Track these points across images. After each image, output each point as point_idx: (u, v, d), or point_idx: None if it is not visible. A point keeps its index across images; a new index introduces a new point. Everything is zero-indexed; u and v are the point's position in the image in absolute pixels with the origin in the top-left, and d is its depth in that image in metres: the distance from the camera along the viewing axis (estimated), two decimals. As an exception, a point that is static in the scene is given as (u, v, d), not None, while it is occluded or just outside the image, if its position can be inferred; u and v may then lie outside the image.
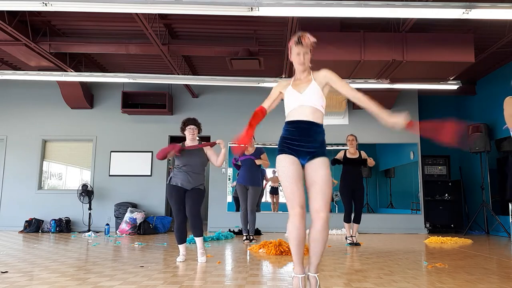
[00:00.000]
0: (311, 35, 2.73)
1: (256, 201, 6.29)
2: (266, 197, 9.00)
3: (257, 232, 7.41)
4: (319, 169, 2.53)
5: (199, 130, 4.42)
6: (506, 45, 6.60)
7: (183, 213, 4.19)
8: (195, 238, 4.20)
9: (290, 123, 2.64)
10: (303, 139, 2.57)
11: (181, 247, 4.24)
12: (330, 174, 2.56)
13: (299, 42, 2.67)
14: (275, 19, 5.67)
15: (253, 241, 6.18)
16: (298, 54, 2.70)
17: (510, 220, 7.15)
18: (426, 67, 6.06)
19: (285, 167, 2.54)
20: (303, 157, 2.57)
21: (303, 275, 2.52)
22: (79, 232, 7.83)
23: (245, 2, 4.15)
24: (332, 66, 6.25)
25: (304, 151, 2.57)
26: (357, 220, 5.78)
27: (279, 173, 2.57)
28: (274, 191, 9.21)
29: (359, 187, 5.83)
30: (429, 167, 8.77)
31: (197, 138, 4.44)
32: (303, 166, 2.58)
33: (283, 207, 9.02)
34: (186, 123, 4.37)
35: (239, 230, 7.72)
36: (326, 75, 2.75)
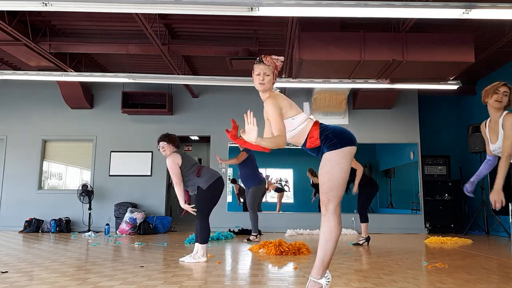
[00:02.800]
0: (278, 56, 2.69)
1: (253, 200, 6.39)
2: (266, 197, 9.00)
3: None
4: (321, 162, 2.54)
5: (174, 144, 4.35)
6: (506, 45, 6.60)
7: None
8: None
9: None
10: (313, 154, 2.66)
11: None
12: (333, 165, 2.45)
13: (260, 61, 2.64)
14: (275, 19, 5.67)
15: (250, 241, 6.21)
16: (258, 74, 2.64)
17: (510, 220, 7.15)
18: (426, 67, 6.05)
19: None
20: None
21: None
22: (79, 232, 7.83)
23: (245, 2, 4.15)
24: (332, 66, 6.30)
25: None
26: (360, 219, 5.98)
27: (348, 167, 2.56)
28: (277, 190, 9.22)
29: (365, 192, 5.99)
30: (429, 167, 8.77)
31: (173, 152, 4.32)
32: None
33: (284, 208, 9.04)
34: (158, 140, 4.38)
35: (239, 230, 7.73)
36: (266, 108, 2.64)
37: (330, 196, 2.45)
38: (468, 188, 3.51)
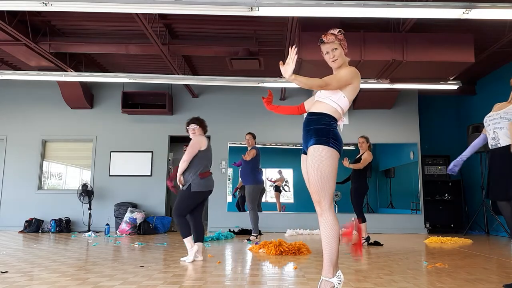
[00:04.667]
0: (336, 29, 2.67)
1: (252, 199, 6.31)
2: (266, 197, 9.00)
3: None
4: (308, 158, 2.53)
5: (204, 129, 4.48)
6: (506, 45, 6.60)
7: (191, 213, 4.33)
8: None
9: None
10: (304, 131, 2.62)
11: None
12: (321, 161, 2.45)
13: (322, 41, 2.65)
14: (275, 19, 5.67)
15: (249, 241, 6.19)
16: (326, 53, 2.66)
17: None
18: (426, 67, 6.06)
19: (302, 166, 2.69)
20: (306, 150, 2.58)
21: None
22: (79, 232, 7.83)
23: (245, 2, 4.15)
24: (332, 66, 6.25)
25: (304, 144, 2.61)
26: (358, 220, 5.88)
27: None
28: (276, 189, 9.22)
29: (354, 187, 5.96)
30: (429, 167, 8.77)
31: (202, 135, 4.46)
32: None
33: (276, 207, 9.06)
34: (188, 122, 4.47)
35: (239, 230, 7.73)
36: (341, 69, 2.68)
37: (322, 194, 2.45)
38: (454, 167, 3.42)
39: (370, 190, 9.19)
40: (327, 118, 2.56)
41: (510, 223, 3.12)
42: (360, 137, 6.09)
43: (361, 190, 5.93)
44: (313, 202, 2.55)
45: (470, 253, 5.01)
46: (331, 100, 2.59)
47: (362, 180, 5.92)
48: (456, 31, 6.14)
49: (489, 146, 3.24)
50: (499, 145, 3.08)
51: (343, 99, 2.59)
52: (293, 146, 8.54)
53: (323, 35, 2.64)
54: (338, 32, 2.65)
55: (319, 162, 2.45)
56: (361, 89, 9.06)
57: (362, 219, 5.82)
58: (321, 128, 2.53)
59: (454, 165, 3.44)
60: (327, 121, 2.55)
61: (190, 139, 4.45)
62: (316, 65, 5.93)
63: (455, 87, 7.10)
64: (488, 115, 3.29)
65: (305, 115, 2.71)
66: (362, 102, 8.55)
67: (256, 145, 6.60)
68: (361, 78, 6.62)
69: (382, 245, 5.80)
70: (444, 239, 6.50)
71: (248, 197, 6.30)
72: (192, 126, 4.41)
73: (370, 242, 5.84)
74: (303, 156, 2.67)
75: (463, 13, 4.32)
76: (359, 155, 6.05)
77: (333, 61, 2.64)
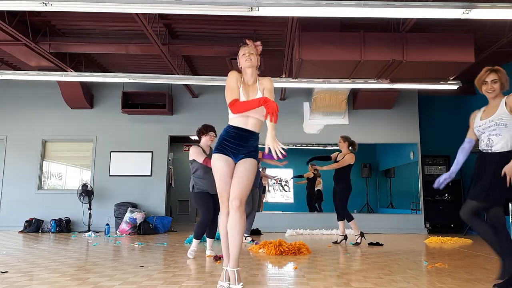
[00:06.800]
0: (259, 43, 3.00)
1: (255, 201, 6.28)
2: (266, 197, 8.99)
3: (257, 232, 7.41)
4: (245, 163, 2.79)
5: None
6: (506, 45, 6.60)
7: (212, 214, 4.66)
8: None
9: (234, 128, 2.82)
10: (242, 144, 2.81)
11: (196, 243, 4.65)
12: (253, 174, 2.78)
13: (245, 43, 2.94)
14: (275, 19, 5.67)
15: (251, 241, 6.19)
16: (243, 55, 2.91)
17: (510, 220, 7.14)
18: (426, 67, 6.06)
19: (220, 166, 2.78)
20: (237, 157, 2.81)
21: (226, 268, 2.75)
22: (79, 232, 7.83)
23: (245, 2, 4.15)
24: (332, 66, 6.30)
25: (240, 153, 2.80)
26: (346, 220, 5.91)
27: (214, 170, 2.81)
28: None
29: (338, 187, 5.97)
30: (429, 167, 8.78)
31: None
32: (235, 164, 2.83)
33: (284, 208, 9.04)
34: (208, 128, 4.70)
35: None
36: (266, 84, 2.91)
37: (245, 198, 2.75)
38: (442, 180, 3.38)
39: (370, 190, 9.17)
40: (258, 136, 2.89)
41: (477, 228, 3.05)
42: (340, 136, 6.12)
43: (346, 191, 5.95)
44: (229, 200, 2.75)
45: (470, 253, 5.01)
46: (262, 117, 2.78)
47: (345, 181, 5.92)
48: (456, 31, 6.14)
49: (480, 149, 3.20)
50: (490, 151, 3.06)
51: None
52: (292, 146, 8.53)
53: (247, 40, 2.98)
54: (259, 47, 3.01)
55: (253, 174, 2.81)
56: (361, 89, 9.04)
57: (349, 218, 5.83)
58: (257, 147, 2.90)
59: (445, 179, 3.40)
60: (258, 141, 2.90)
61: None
62: (315, 65, 5.93)
63: (455, 87, 7.10)
64: (479, 124, 3.23)
65: (238, 124, 2.81)
66: (362, 102, 8.54)
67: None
68: (361, 78, 6.71)
69: (382, 245, 5.80)
70: (444, 239, 6.51)
71: (254, 199, 6.28)
72: (213, 133, 4.69)
73: (368, 241, 5.86)
74: (222, 156, 2.80)
75: (463, 13, 4.32)
76: (342, 157, 5.96)
77: (247, 60, 2.89)
